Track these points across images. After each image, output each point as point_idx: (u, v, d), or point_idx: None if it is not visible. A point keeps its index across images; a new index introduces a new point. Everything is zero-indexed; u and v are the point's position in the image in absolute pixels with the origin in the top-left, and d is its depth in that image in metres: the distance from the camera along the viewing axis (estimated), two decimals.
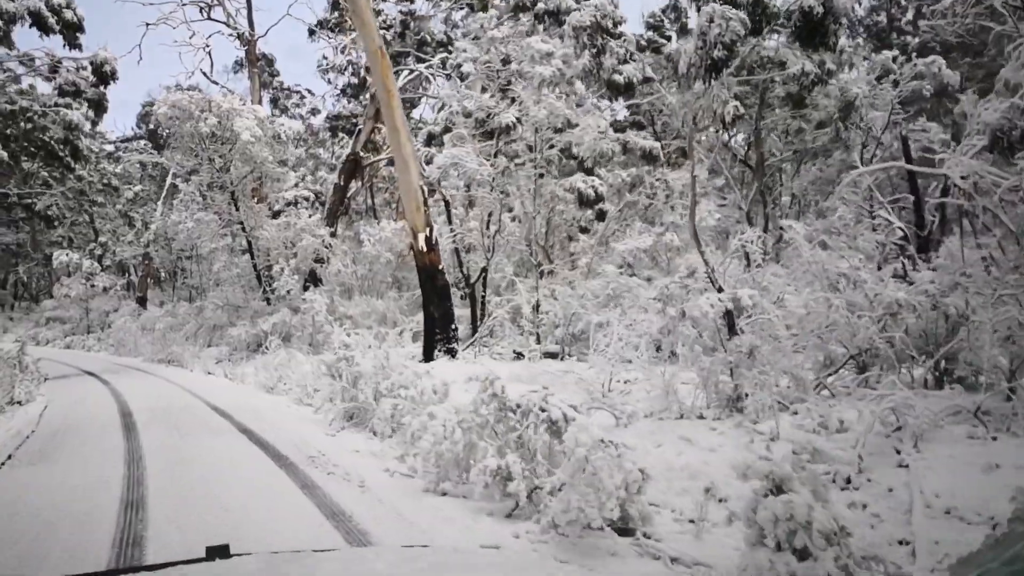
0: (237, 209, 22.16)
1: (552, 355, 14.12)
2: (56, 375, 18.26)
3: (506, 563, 2.51)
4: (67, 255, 34.48)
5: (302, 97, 34.73)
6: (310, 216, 22.43)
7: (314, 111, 34.02)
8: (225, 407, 11.31)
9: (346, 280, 21.98)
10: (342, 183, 25.41)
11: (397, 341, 18.12)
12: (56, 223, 40.46)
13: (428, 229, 14.50)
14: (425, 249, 14.43)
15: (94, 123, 28.71)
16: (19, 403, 11.96)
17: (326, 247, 21.67)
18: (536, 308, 14.68)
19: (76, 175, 44.78)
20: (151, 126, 44.24)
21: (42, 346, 32.85)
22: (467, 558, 2.34)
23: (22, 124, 25.81)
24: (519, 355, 14.43)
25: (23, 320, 44.15)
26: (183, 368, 19.93)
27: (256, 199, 23.77)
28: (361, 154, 25.12)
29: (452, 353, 14.43)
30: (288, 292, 19.82)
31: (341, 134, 32.12)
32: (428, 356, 14.28)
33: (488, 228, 17.29)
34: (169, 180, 33.02)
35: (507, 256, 18.91)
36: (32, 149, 36.25)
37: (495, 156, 17.68)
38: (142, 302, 32.58)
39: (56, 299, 35.58)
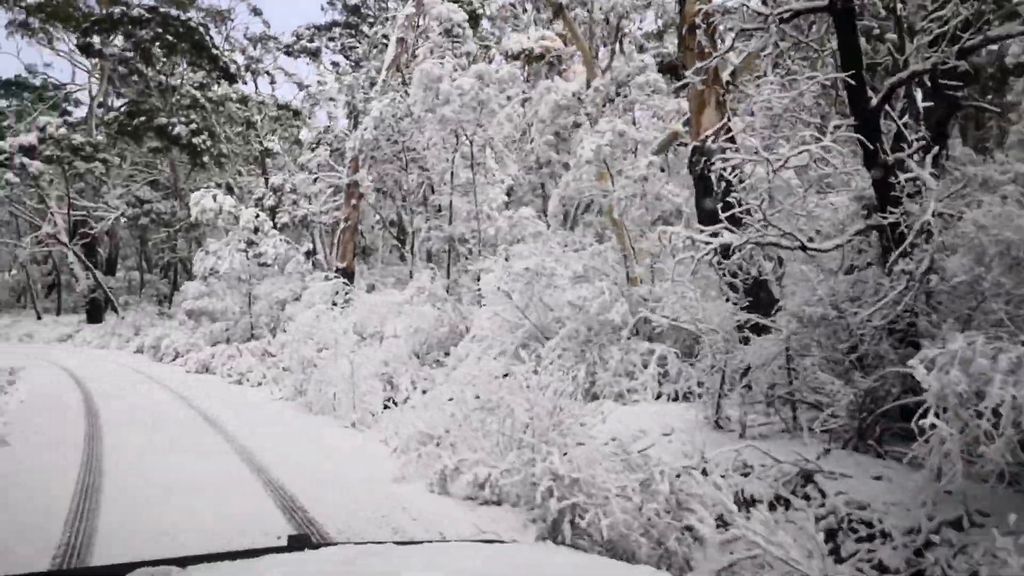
0: None
1: None
2: None
3: None
4: (213, 198, 18.58)
5: None
6: None
7: None
8: None
9: None
10: None
11: None
12: (206, 156, 25.27)
13: None
14: None
15: None
16: None
17: None
18: None
19: (238, 94, 29.79)
20: None
21: (165, 362, 16.99)
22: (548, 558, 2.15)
23: None
24: None
25: (174, 318, 29.42)
26: None
27: None
28: None
29: None
30: None
31: None
32: None
33: None
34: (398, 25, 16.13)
35: None
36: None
37: None
38: (347, 277, 15.78)
39: (197, 278, 19.88)
